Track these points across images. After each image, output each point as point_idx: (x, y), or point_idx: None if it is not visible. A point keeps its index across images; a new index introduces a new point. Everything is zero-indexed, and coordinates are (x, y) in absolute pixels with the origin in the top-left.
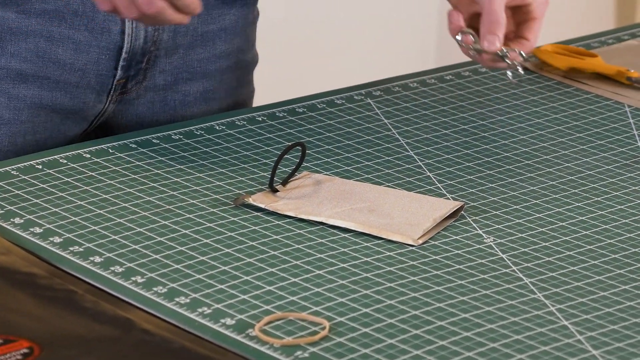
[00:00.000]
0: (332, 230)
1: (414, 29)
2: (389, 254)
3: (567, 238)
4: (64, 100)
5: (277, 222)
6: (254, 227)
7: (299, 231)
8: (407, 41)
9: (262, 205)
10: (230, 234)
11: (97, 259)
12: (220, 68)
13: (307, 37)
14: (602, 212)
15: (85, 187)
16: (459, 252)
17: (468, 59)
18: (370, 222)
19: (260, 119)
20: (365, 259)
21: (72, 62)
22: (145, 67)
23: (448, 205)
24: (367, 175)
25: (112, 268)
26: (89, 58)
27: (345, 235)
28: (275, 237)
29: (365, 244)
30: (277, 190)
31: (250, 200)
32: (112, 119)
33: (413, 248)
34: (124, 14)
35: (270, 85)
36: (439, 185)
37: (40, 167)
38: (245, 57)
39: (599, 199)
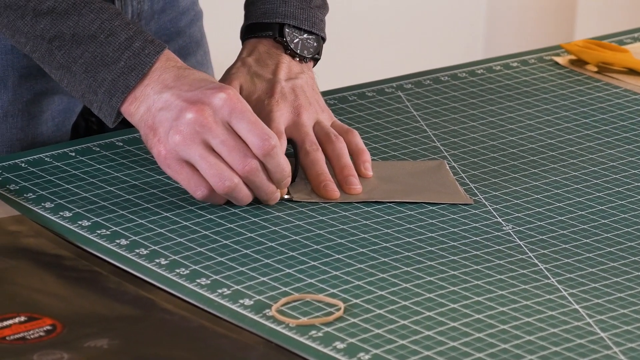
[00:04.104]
0: (354, 217)
1: (460, 22)
2: (407, 239)
3: (585, 226)
4: None
5: (300, 209)
6: (277, 213)
7: (321, 217)
8: (453, 35)
9: (287, 197)
10: (253, 219)
11: (123, 242)
12: (186, 23)
13: (346, 29)
14: (622, 202)
15: (116, 174)
16: (477, 238)
17: (500, 54)
18: (408, 191)
19: None
20: (384, 244)
21: None
22: None
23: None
24: None
25: (137, 250)
26: None
27: (366, 222)
28: (298, 222)
29: (385, 230)
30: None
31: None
32: None
33: (432, 235)
34: (217, 187)
35: None
36: (462, 175)
37: (73, 154)
38: (197, 8)
39: (620, 189)
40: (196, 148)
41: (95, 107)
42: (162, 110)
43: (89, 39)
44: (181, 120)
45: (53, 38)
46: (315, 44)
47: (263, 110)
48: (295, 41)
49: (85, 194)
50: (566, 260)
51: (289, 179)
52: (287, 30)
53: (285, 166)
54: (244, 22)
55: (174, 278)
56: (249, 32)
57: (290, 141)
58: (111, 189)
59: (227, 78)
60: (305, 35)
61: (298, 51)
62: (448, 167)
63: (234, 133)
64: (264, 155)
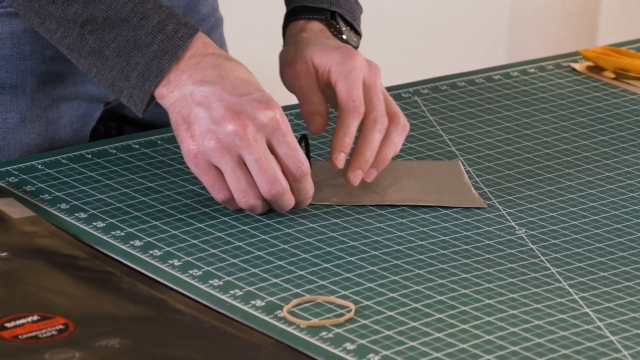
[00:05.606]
0: (367, 220)
1: (484, 28)
2: (420, 242)
3: (598, 231)
4: (91, 90)
5: (313, 211)
6: (290, 215)
7: (334, 220)
8: (476, 40)
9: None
10: (266, 221)
11: (137, 243)
12: (206, 30)
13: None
14: (636, 207)
15: (132, 176)
16: (490, 242)
17: (517, 60)
18: (423, 194)
19: None
20: (397, 247)
21: None
22: None
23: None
24: None
25: (151, 252)
26: None
27: (379, 224)
28: (311, 224)
29: (398, 233)
30: None
31: None
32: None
33: (445, 238)
34: (239, 201)
35: None
36: (477, 179)
37: (89, 156)
38: (217, 15)
39: (634, 194)
40: (229, 159)
41: (125, 95)
42: (200, 106)
43: (121, 22)
44: (221, 128)
45: (85, 22)
46: (355, 39)
47: (344, 64)
48: (344, 29)
49: (100, 196)
50: (578, 264)
51: (309, 201)
52: (338, 17)
53: (309, 190)
54: (288, 7)
55: (187, 279)
56: (296, 14)
57: (302, 138)
58: (126, 190)
59: (291, 53)
60: (347, 27)
61: (345, 38)
62: (462, 168)
63: (269, 153)
64: (294, 180)
